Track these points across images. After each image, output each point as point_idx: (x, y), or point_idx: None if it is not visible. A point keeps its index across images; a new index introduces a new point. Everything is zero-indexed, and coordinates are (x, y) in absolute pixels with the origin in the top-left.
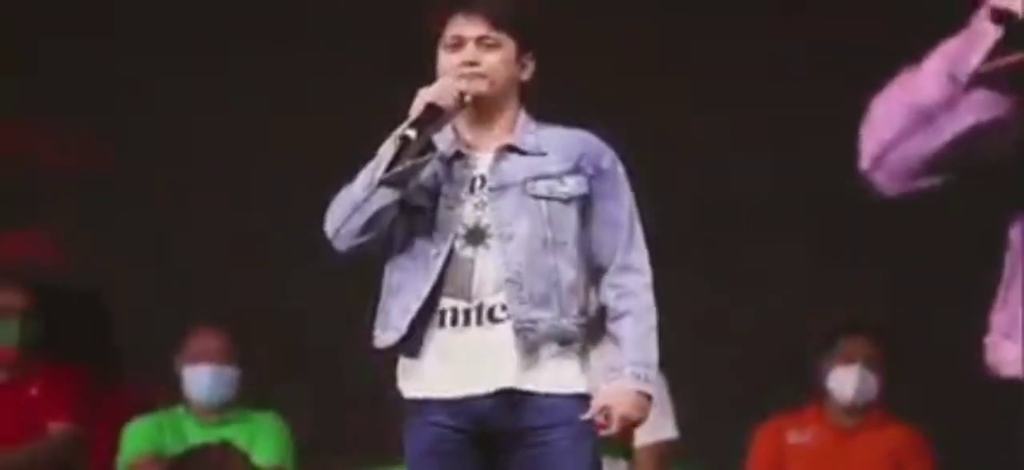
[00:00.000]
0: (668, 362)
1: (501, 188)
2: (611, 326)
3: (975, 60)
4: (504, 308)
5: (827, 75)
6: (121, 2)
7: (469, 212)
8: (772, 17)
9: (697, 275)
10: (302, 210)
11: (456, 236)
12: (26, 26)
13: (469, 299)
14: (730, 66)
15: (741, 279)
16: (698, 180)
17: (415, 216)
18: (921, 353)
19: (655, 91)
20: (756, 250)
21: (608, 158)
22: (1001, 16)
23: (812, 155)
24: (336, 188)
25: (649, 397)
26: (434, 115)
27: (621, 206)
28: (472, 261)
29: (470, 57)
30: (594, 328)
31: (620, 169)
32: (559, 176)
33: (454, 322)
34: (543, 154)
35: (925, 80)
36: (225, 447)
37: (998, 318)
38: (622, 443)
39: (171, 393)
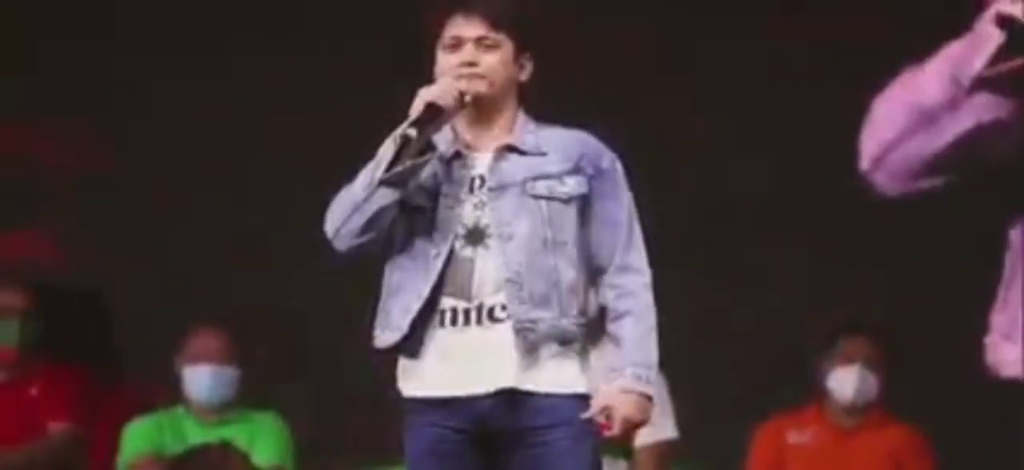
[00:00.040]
0: (668, 362)
1: (501, 188)
2: (611, 326)
3: (978, 63)
4: (504, 308)
5: (827, 75)
6: (121, 2)
7: (469, 212)
8: (772, 17)
9: (697, 275)
10: (302, 210)
11: (456, 236)
12: (26, 26)
13: (469, 299)
14: (730, 66)
15: (741, 279)
16: (698, 180)
17: (415, 216)
18: (921, 353)
19: (655, 91)
20: (756, 250)
21: (607, 158)
22: (1004, 21)
23: (812, 155)
24: (336, 188)
25: (650, 398)
26: (434, 115)
27: (620, 206)
28: (472, 261)
29: (469, 57)
30: (594, 329)
31: (619, 169)
32: (559, 176)
33: (454, 322)
34: (543, 154)
35: (928, 81)
36: (225, 447)
37: (998, 319)
38: (622, 443)
39: (171, 393)
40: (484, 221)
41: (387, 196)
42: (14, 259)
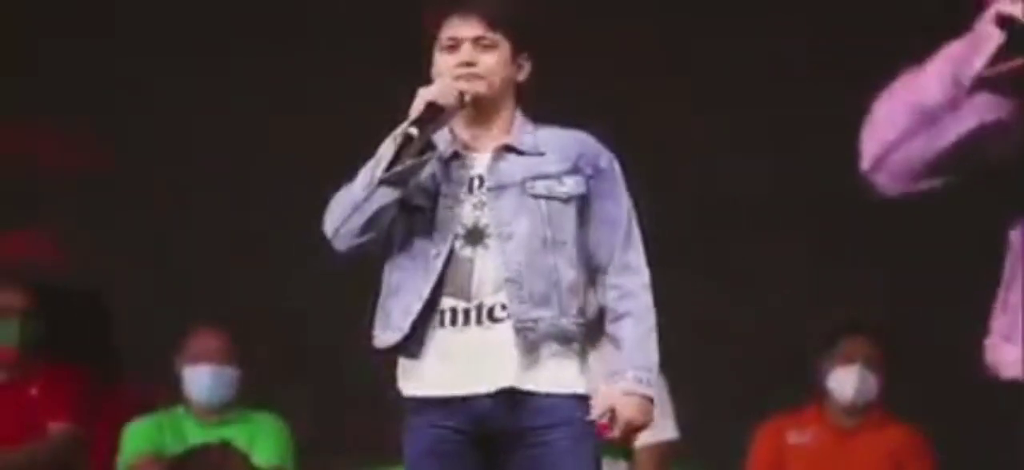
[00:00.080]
0: (668, 362)
1: (500, 188)
2: (610, 328)
3: (978, 64)
4: (504, 308)
5: (827, 75)
6: (121, 2)
7: (468, 212)
8: (772, 17)
9: (697, 275)
10: (302, 210)
11: (455, 236)
12: (26, 26)
13: (468, 299)
14: (730, 66)
15: (741, 279)
16: (698, 180)
17: (414, 216)
18: (921, 353)
19: (655, 91)
20: (756, 250)
21: (606, 158)
22: (1004, 21)
23: (812, 155)
24: (336, 188)
25: (652, 401)
26: (435, 114)
27: (619, 206)
28: (471, 261)
29: (467, 58)
30: (593, 330)
31: (617, 169)
32: (558, 176)
33: (454, 322)
34: (541, 154)
35: (928, 81)
36: (225, 447)
37: (998, 321)
38: (622, 444)
39: (171, 393)
40: (484, 221)
41: (387, 195)
42: (14, 259)
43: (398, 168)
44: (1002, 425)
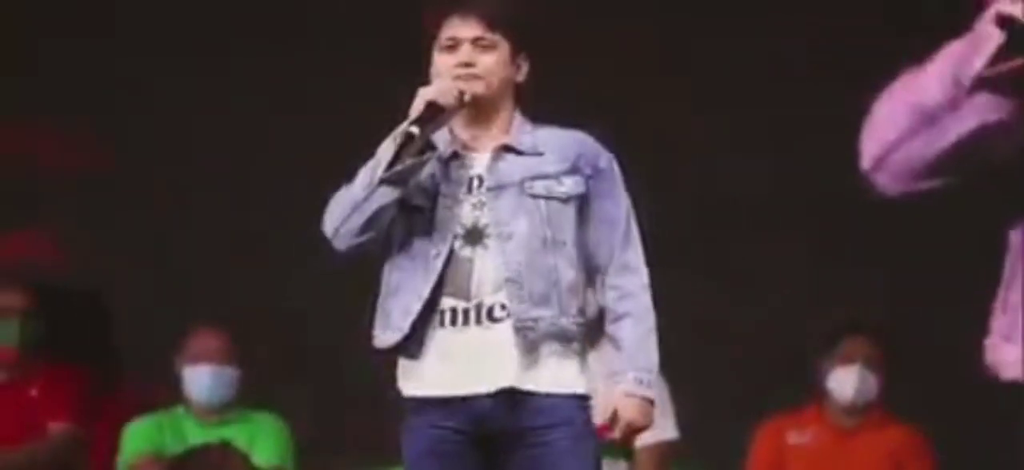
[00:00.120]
0: (668, 363)
1: (499, 188)
2: (610, 328)
3: (978, 64)
4: (504, 307)
5: (827, 75)
6: (121, 2)
7: (467, 212)
8: (772, 17)
9: (697, 275)
10: (302, 210)
11: (455, 236)
12: (26, 26)
13: (468, 298)
14: (730, 66)
15: (741, 279)
16: (698, 180)
17: (414, 216)
18: (921, 353)
19: (655, 91)
20: (756, 250)
21: (604, 158)
22: (1004, 21)
23: (812, 155)
24: (336, 188)
25: (652, 402)
26: (435, 113)
27: (618, 205)
28: (471, 261)
29: (466, 58)
30: (592, 330)
31: (616, 169)
32: (557, 176)
33: (454, 322)
34: (540, 154)
35: (929, 81)
36: (225, 447)
37: (998, 321)
38: (623, 444)
39: (171, 393)
40: (483, 221)
41: (387, 195)
42: (14, 259)
43: (398, 168)
44: (1002, 425)
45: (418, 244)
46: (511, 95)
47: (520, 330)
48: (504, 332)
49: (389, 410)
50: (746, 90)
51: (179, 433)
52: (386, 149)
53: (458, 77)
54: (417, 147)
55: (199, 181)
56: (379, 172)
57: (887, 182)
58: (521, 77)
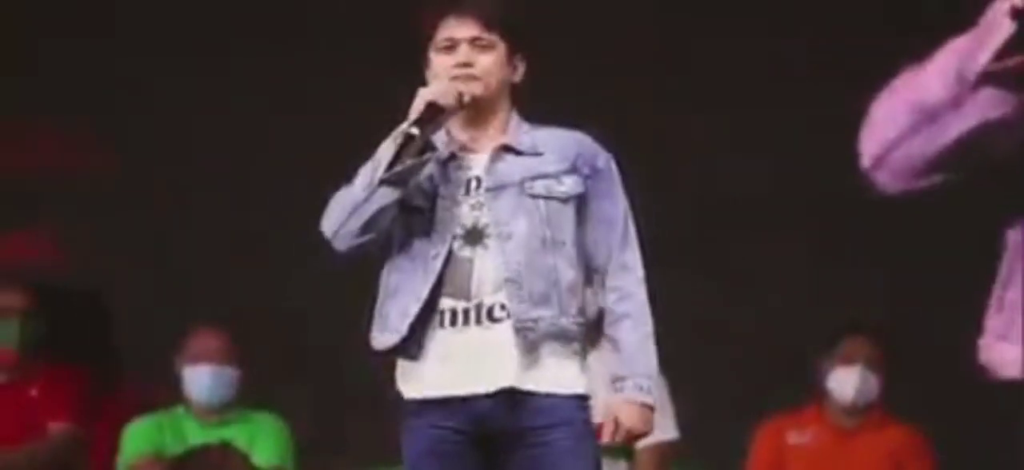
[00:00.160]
0: (668, 363)
1: (498, 188)
2: (609, 330)
3: (984, 58)
4: (503, 307)
5: (827, 75)
6: (121, 2)
7: (466, 212)
8: (772, 17)
9: (697, 275)
10: (302, 210)
11: (454, 237)
12: (26, 26)
13: (468, 299)
14: (730, 66)
15: (741, 279)
16: (698, 180)
17: (412, 217)
18: (921, 353)
19: (655, 91)
20: (756, 250)
21: (603, 158)
22: (1018, 13)
23: (812, 155)
24: (336, 188)
25: (652, 409)
26: (435, 114)
27: (616, 205)
28: (470, 261)
29: (464, 58)
30: (593, 330)
31: (614, 168)
32: (556, 176)
33: (453, 322)
34: (539, 154)
35: (930, 79)
36: (225, 447)
37: (993, 320)
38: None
39: (171, 393)
40: (483, 221)
41: (387, 196)
42: (14, 259)
43: (398, 168)
44: (1002, 425)
45: (417, 245)
46: (508, 96)
47: (520, 330)
48: (504, 332)
49: (389, 410)
50: (746, 90)
51: (179, 433)
52: (386, 150)
53: (456, 78)
54: (417, 148)
55: (199, 181)
56: (379, 173)
57: (887, 180)
58: (518, 77)
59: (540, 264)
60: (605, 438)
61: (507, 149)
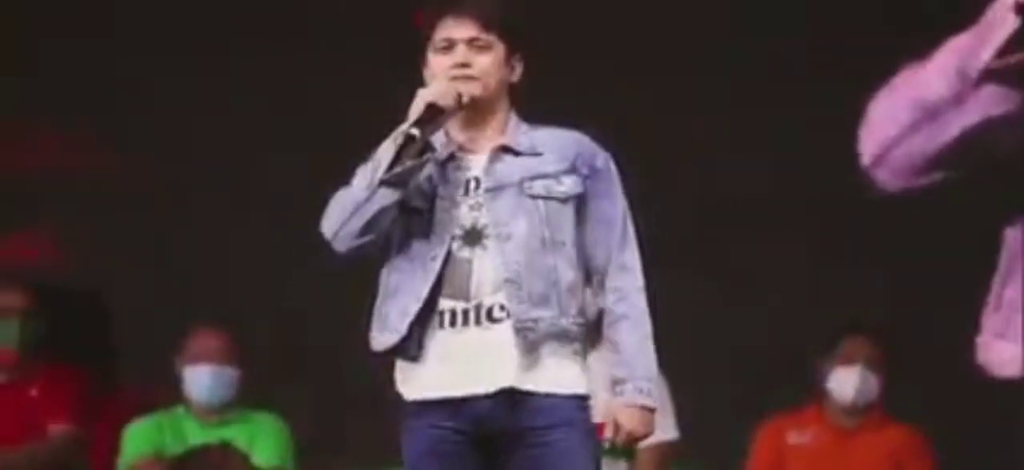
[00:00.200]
0: (668, 363)
1: (497, 188)
2: (609, 331)
3: (986, 55)
4: (503, 308)
5: (827, 75)
6: (121, 2)
7: (465, 213)
8: (772, 17)
9: (697, 275)
10: (302, 210)
11: (453, 237)
12: (26, 26)
13: (467, 299)
14: (730, 66)
15: (741, 279)
16: (698, 180)
17: (411, 218)
18: (921, 353)
19: (655, 91)
20: (756, 250)
21: (602, 158)
22: (1022, 8)
23: (812, 155)
24: (336, 188)
25: (652, 410)
26: (434, 115)
27: (615, 205)
28: (470, 262)
29: (462, 59)
30: (592, 330)
31: (613, 168)
32: (556, 176)
33: (453, 323)
34: (538, 154)
35: (931, 76)
36: (225, 447)
37: (990, 319)
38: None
39: (171, 393)
40: (482, 222)
41: (387, 197)
42: (14, 259)
43: (398, 169)
44: (1002, 425)
45: (416, 246)
46: (506, 96)
47: (520, 331)
48: (504, 332)
49: (389, 410)
50: (746, 90)
51: (179, 433)
52: (386, 150)
53: (455, 78)
54: (417, 148)
55: (199, 181)
56: (379, 174)
57: (887, 178)
58: (516, 78)
59: (540, 264)
60: (606, 441)
61: (506, 149)
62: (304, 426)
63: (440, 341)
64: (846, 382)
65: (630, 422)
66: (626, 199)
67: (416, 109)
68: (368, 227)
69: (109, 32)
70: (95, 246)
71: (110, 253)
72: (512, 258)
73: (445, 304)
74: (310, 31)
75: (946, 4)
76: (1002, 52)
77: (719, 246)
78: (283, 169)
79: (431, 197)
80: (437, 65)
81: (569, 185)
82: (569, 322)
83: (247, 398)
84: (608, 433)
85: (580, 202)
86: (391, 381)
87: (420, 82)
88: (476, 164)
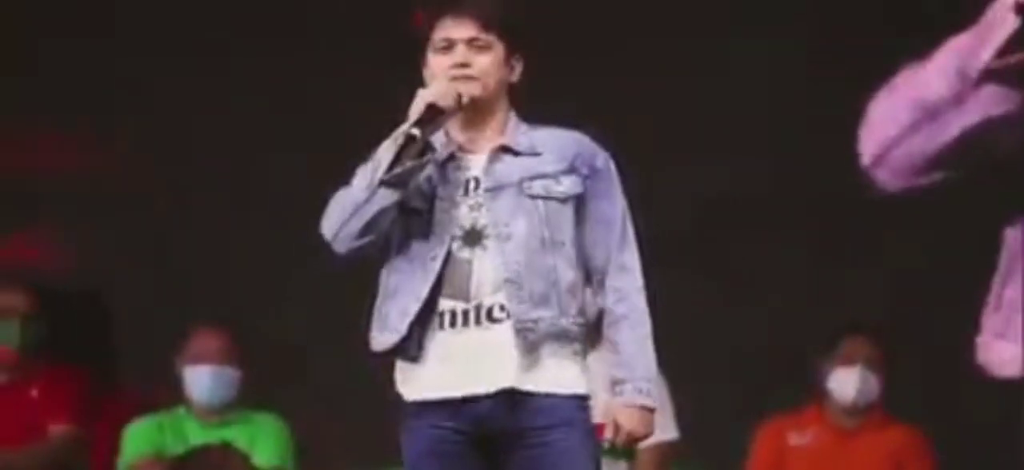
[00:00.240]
0: (668, 363)
1: (497, 189)
2: (608, 331)
3: (986, 55)
4: (503, 308)
5: (827, 75)
6: (121, 2)
7: (465, 213)
8: (772, 17)
9: (697, 275)
10: (302, 210)
11: (453, 238)
12: (26, 26)
13: (467, 299)
14: (730, 66)
15: (741, 279)
16: (698, 180)
17: (411, 219)
18: (921, 353)
19: (655, 90)
20: (756, 250)
21: (601, 158)
22: (1023, 8)
23: (812, 155)
24: (336, 188)
25: (652, 410)
26: (434, 115)
27: (614, 205)
28: (469, 262)
29: (461, 59)
30: (592, 330)
31: (613, 168)
32: (555, 176)
33: (453, 323)
34: (537, 154)
35: (931, 76)
36: (225, 448)
37: (990, 319)
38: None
39: (172, 394)
40: (481, 222)
41: (388, 197)
42: (15, 260)
43: (398, 170)
44: (1002, 425)
45: (416, 247)
46: (506, 96)
47: (520, 331)
48: (504, 333)
49: (389, 410)
50: (746, 90)
51: (180, 434)
52: (386, 151)
53: (454, 78)
54: (417, 149)
55: (199, 181)
56: (379, 174)
57: (887, 178)
58: (515, 78)
59: (539, 264)
60: (606, 441)
61: (505, 149)
62: (304, 426)
63: (440, 341)
64: (846, 382)
65: (630, 422)
66: (626, 199)
67: (416, 109)
68: (368, 228)
69: (109, 32)
70: (95, 246)
71: (110, 253)
72: (512, 258)
73: (445, 304)
74: (310, 31)
75: (946, 4)
76: (1002, 52)
77: (719, 246)
78: (283, 169)
79: (431, 197)
80: (437, 65)
81: (568, 185)
82: (569, 322)
83: (247, 398)
84: (608, 433)
85: (580, 202)
86: (391, 381)
87: (420, 82)
88: (476, 164)
